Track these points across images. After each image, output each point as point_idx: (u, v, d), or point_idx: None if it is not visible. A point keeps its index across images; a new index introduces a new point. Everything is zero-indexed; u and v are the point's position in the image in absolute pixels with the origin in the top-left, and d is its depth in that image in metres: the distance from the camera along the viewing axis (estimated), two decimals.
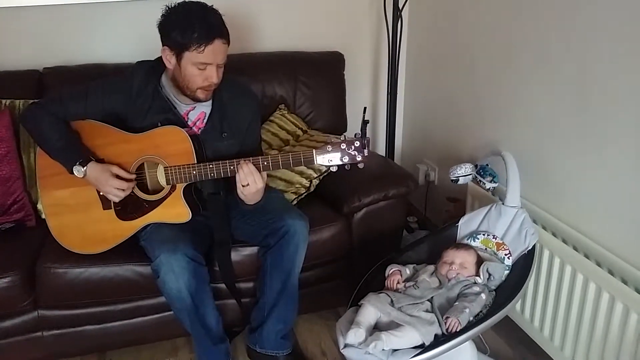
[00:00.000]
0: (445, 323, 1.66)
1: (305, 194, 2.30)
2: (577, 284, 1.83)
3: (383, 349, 1.58)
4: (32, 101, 2.12)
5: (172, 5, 1.82)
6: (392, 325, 1.66)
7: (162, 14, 1.82)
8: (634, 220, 1.70)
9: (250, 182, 1.80)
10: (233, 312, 2.14)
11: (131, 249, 1.96)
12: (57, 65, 2.40)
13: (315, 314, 2.39)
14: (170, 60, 1.85)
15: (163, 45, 1.84)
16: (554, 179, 2.00)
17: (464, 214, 2.36)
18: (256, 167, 1.80)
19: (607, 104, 1.75)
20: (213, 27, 1.79)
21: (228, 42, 1.84)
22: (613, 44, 1.70)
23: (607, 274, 1.73)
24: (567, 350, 1.92)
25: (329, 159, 1.79)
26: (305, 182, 2.29)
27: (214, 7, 1.83)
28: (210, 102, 1.98)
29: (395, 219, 2.30)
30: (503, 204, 2.00)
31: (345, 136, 1.81)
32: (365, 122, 1.80)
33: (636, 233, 1.70)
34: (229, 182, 1.91)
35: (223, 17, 1.82)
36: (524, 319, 2.11)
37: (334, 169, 1.82)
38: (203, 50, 1.78)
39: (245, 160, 1.81)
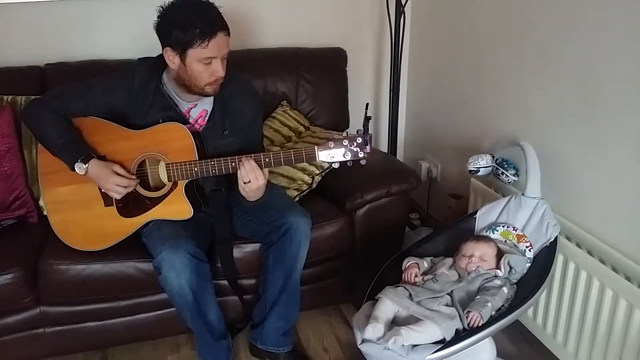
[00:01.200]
0: (467, 317, 1.62)
1: (307, 190, 2.30)
2: (581, 281, 1.82)
3: (403, 345, 1.55)
4: (33, 97, 2.12)
5: (166, 5, 1.81)
6: (411, 320, 1.62)
7: (158, 16, 1.81)
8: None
9: (252, 179, 1.79)
10: (235, 309, 2.14)
11: (133, 246, 1.96)
12: (58, 61, 2.39)
13: (318, 310, 2.39)
14: (173, 61, 1.83)
15: (164, 47, 1.83)
16: (563, 179, 1.98)
17: (466, 211, 2.36)
18: (258, 164, 1.80)
19: (616, 106, 1.73)
20: (214, 20, 1.78)
21: (229, 34, 1.83)
22: (621, 35, 1.69)
23: (611, 270, 1.72)
24: (570, 348, 1.91)
25: (331, 155, 1.78)
26: (308, 179, 2.28)
27: (209, 0, 1.82)
28: (211, 99, 1.97)
29: (398, 216, 2.29)
30: (523, 194, 1.95)
31: (347, 133, 1.81)
32: (367, 119, 1.79)
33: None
34: (231, 179, 1.91)
35: (220, 9, 1.82)
36: (527, 316, 2.10)
37: (335, 166, 1.81)
38: (207, 45, 1.77)
39: (246, 156, 1.80)
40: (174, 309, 1.98)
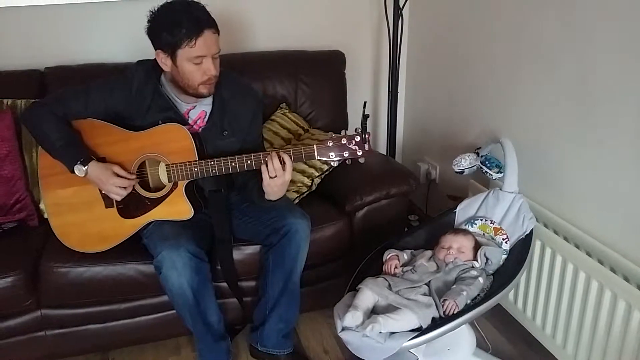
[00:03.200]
0: (443, 305, 1.67)
1: (307, 192, 2.30)
2: (579, 282, 1.83)
3: (380, 332, 1.59)
4: (33, 101, 2.13)
5: (155, 9, 1.83)
6: (389, 309, 1.67)
7: (148, 20, 1.83)
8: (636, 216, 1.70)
9: (278, 174, 1.79)
10: (234, 311, 2.15)
11: (134, 248, 1.96)
12: (58, 64, 2.40)
13: (318, 312, 2.39)
14: (166, 63, 1.85)
15: (156, 50, 1.85)
16: (553, 174, 2.00)
17: None
18: (257, 164, 1.81)
19: (605, 98, 1.75)
20: (200, 19, 1.79)
21: (218, 32, 1.84)
22: (613, 35, 1.70)
23: (609, 271, 1.73)
24: (569, 348, 1.92)
25: (330, 153, 1.79)
26: (307, 181, 2.29)
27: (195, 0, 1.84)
28: (210, 100, 1.98)
29: (397, 217, 2.30)
30: (501, 189, 2.01)
31: (345, 132, 1.82)
32: (365, 117, 1.80)
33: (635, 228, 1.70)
34: (231, 180, 1.92)
35: (209, 7, 1.83)
36: (526, 316, 2.11)
37: (334, 164, 1.82)
38: (195, 43, 1.78)
39: (274, 151, 1.80)
40: (174, 311, 1.98)
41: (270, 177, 1.79)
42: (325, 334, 2.32)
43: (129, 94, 1.93)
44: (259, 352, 2.09)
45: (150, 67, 1.95)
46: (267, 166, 1.79)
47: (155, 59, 1.91)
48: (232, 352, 2.07)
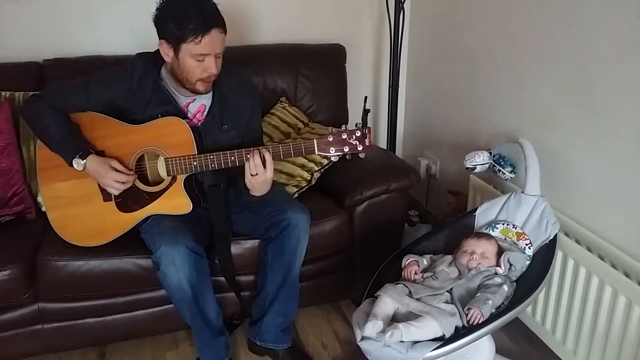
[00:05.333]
0: (467, 314, 1.62)
1: (307, 187, 2.29)
2: (580, 279, 1.82)
3: (402, 341, 1.54)
4: (32, 93, 2.11)
5: None
6: (410, 317, 1.62)
7: (157, 8, 1.80)
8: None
9: (259, 171, 1.79)
10: (233, 305, 2.14)
11: (132, 242, 1.95)
12: (56, 57, 2.38)
13: (316, 307, 2.39)
14: (168, 54, 1.84)
15: (160, 39, 1.83)
16: (563, 175, 1.98)
17: (465, 208, 2.35)
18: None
19: (612, 101, 1.73)
20: (209, 16, 1.77)
21: (225, 31, 1.82)
22: (617, 36, 1.69)
23: (610, 267, 1.72)
24: (569, 345, 1.91)
25: (330, 148, 1.78)
26: (307, 175, 2.28)
27: None
28: (210, 94, 1.97)
29: (397, 212, 2.29)
30: (522, 192, 1.95)
31: (346, 126, 1.80)
32: (366, 112, 1.79)
33: None
34: (230, 174, 1.91)
35: (218, 5, 1.81)
36: (527, 313, 2.10)
37: (334, 159, 1.81)
38: (200, 41, 1.76)
39: (255, 149, 1.79)
40: (172, 305, 1.97)
41: (252, 175, 1.79)
42: (324, 328, 2.32)
43: (129, 88, 1.92)
44: (257, 346, 2.09)
45: (150, 60, 1.94)
46: (248, 163, 1.78)
47: (155, 51, 1.90)
48: (231, 347, 2.06)
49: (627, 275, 1.68)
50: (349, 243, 2.22)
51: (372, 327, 1.58)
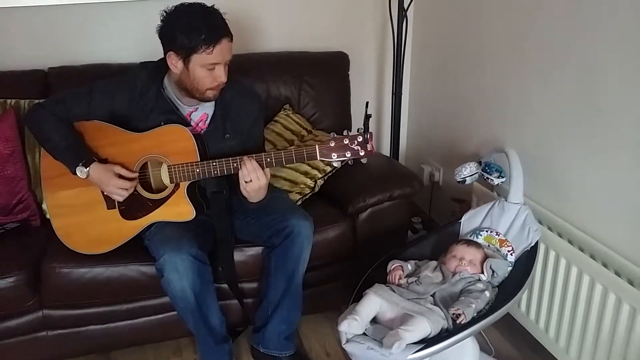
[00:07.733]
0: (453, 311, 1.66)
1: (310, 194, 2.30)
2: (583, 285, 1.82)
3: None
4: (37, 101, 2.13)
5: (170, 10, 1.81)
6: (403, 319, 1.64)
7: (161, 20, 1.81)
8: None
9: (253, 178, 1.80)
10: (236, 313, 2.14)
11: (136, 249, 1.96)
12: (62, 65, 2.40)
13: (320, 314, 2.38)
14: (176, 65, 1.84)
15: (167, 51, 1.83)
16: (558, 178, 1.99)
17: None
18: (259, 164, 1.80)
19: (611, 103, 1.73)
20: (218, 27, 1.79)
21: (232, 40, 1.84)
22: (618, 44, 1.69)
23: (614, 274, 1.72)
24: (572, 352, 1.90)
25: (332, 154, 1.78)
26: (310, 183, 2.28)
27: (214, 6, 1.83)
28: (212, 103, 1.98)
29: (400, 220, 2.29)
30: (506, 200, 2.00)
31: (348, 132, 1.81)
32: (367, 117, 1.79)
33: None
34: (233, 181, 1.91)
35: (224, 14, 1.82)
36: (529, 320, 2.10)
37: (337, 165, 1.81)
38: (212, 51, 1.78)
39: (248, 156, 1.81)
40: (176, 312, 1.97)
41: (246, 182, 1.80)
42: (328, 336, 2.31)
43: (132, 97, 1.93)
44: (260, 353, 2.08)
45: (153, 69, 1.95)
46: (241, 171, 1.80)
47: (158, 61, 1.91)
48: (234, 354, 2.06)
49: (631, 283, 1.68)
50: (352, 250, 2.22)
51: (348, 325, 1.62)
